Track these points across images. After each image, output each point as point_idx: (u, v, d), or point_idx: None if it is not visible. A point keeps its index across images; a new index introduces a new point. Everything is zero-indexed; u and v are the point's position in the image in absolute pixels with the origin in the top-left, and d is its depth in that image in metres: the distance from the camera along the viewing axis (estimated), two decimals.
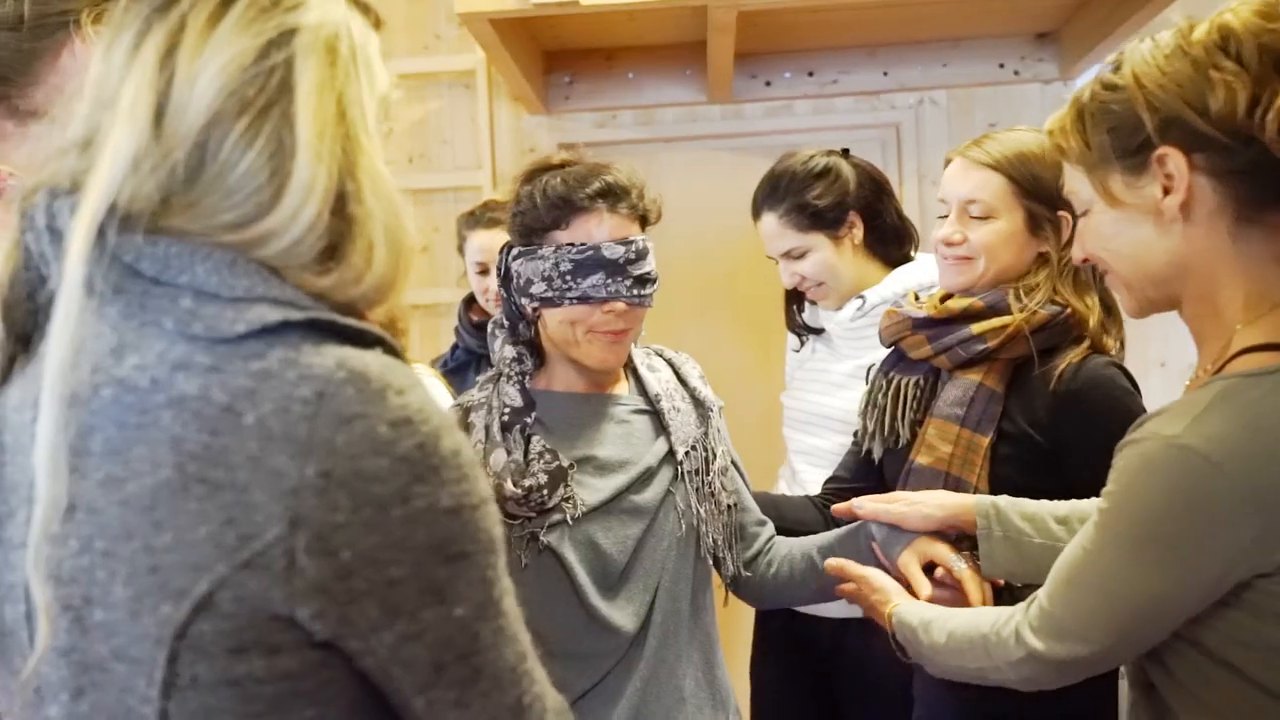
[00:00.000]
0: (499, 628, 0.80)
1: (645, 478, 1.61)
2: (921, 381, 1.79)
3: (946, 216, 1.79)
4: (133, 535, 0.73)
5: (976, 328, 1.69)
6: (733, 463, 1.77)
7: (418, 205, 3.86)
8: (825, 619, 2.16)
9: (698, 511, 1.63)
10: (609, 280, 1.54)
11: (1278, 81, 1.08)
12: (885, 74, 3.73)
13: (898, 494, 1.63)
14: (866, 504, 1.63)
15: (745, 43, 3.30)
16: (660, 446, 1.63)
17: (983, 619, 1.29)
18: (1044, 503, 1.53)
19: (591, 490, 1.57)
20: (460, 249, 2.86)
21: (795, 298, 2.36)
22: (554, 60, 3.72)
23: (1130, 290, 1.22)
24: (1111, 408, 1.61)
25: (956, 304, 1.73)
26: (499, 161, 3.78)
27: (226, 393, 0.74)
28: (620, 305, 1.57)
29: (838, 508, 1.69)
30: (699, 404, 1.71)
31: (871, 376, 1.90)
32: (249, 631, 0.73)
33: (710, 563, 1.68)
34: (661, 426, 1.65)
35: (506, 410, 1.59)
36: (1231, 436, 1.05)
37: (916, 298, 1.88)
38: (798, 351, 2.44)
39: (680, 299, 3.46)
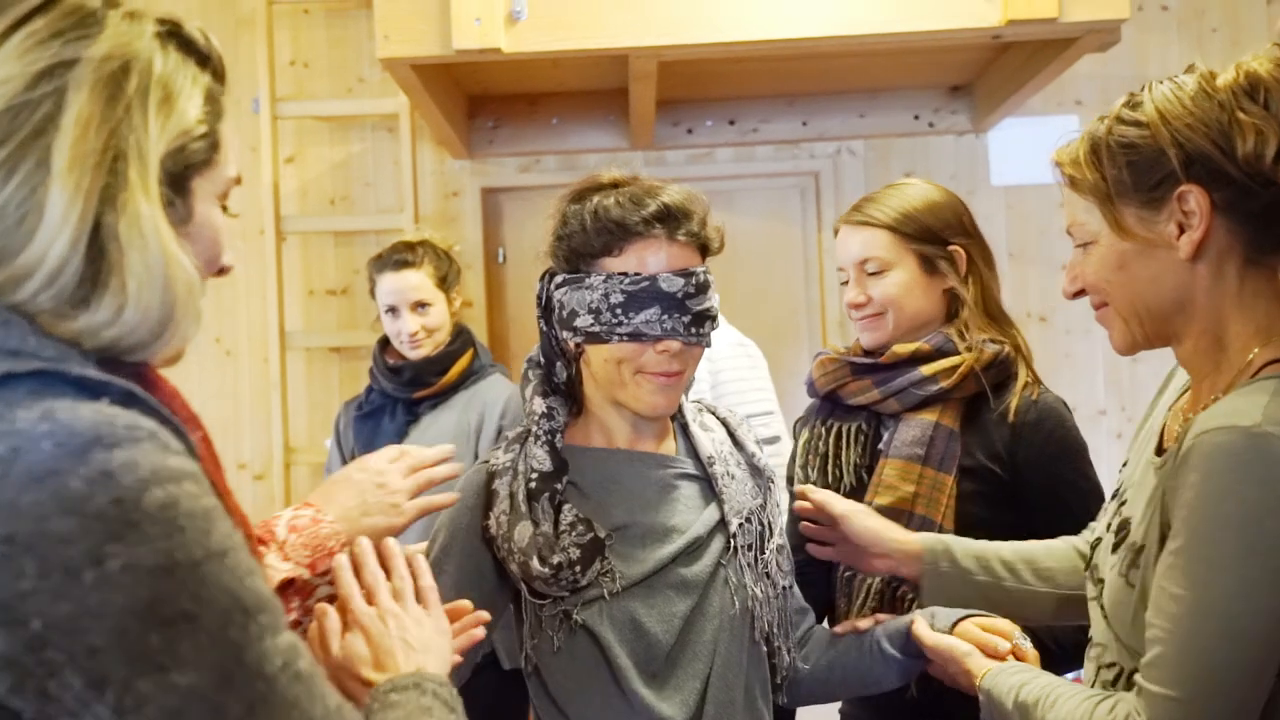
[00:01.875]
0: (259, 697, 0.72)
1: (694, 549, 1.41)
2: (864, 426, 1.79)
3: (847, 283, 1.84)
4: None
5: (927, 369, 1.72)
6: None
7: (338, 247, 3.84)
8: None
9: (752, 590, 1.44)
10: (664, 316, 1.36)
11: None
12: (804, 123, 3.80)
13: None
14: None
15: (667, 90, 3.35)
16: (711, 514, 1.44)
17: (1085, 715, 1.14)
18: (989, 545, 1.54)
19: (632, 561, 1.38)
20: (372, 292, 2.84)
21: None
22: (477, 105, 3.74)
23: (1127, 324, 1.21)
24: (1064, 437, 1.70)
25: (903, 349, 1.75)
26: (422, 205, 3.77)
27: None
28: (675, 345, 1.38)
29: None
30: (757, 472, 1.52)
31: (799, 429, 1.91)
32: None
33: (764, 649, 1.47)
34: (713, 493, 1.46)
35: (534, 476, 1.40)
36: None
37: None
38: None
39: None
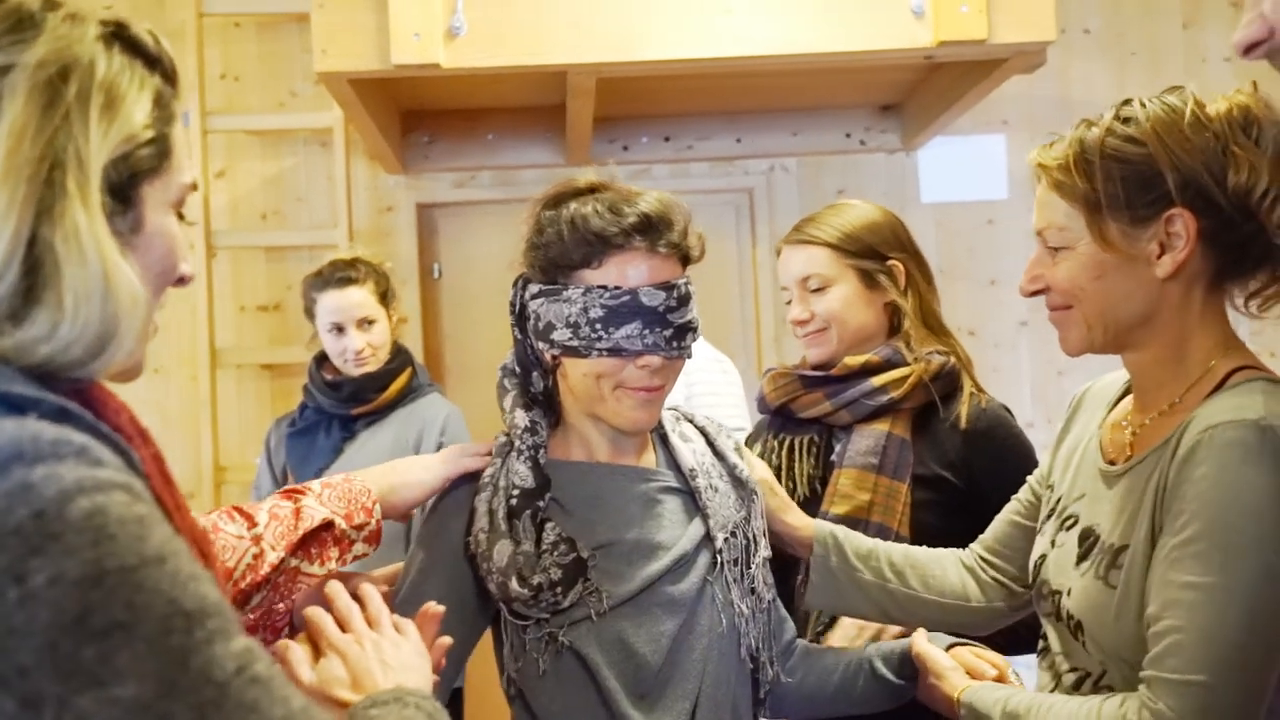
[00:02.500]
0: (209, 703, 0.69)
1: (680, 565, 1.36)
2: (816, 439, 1.81)
3: (791, 302, 1.88)
4: None
5: (878, 380, 1.76)
6: None
7: (270, 262, 3.79)
8: None
9: (739, 607, 1.39)
10: (645, 330, 1.31)
11: None
12: (739, 141, 3.85)
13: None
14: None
15: (604, 107, 3.36)
16: (696, 529, 1.39)
17: (1089, 713, 1.15)
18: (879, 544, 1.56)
19: (619, 580, 1.33)
20: (308, 311, 2.80)
21: None
22: (413, 120, 3.72)
23: (1090, 329, 1.23)
24: (1016, 445, 1.76)
25: (854, 360, 1.79)
26: (355, 220, 3.74)
27: None
28: (657, 360, 1.33)
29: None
30: (739, 484, 1.46)
31: (750, 444, 1.93)
32: None
33: (750, 666, 1.43)
34: (696, 507, 1.41)
35: (516, 492, 1.34)
36: None
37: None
38: None
39: None
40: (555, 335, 1.34)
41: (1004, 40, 2.81)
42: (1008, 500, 1.57)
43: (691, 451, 1.45)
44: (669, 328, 1.33)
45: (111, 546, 0.67)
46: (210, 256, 3.62)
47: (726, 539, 1.40)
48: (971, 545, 1.58)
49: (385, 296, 2.77)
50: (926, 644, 1.47)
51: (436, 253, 3.95)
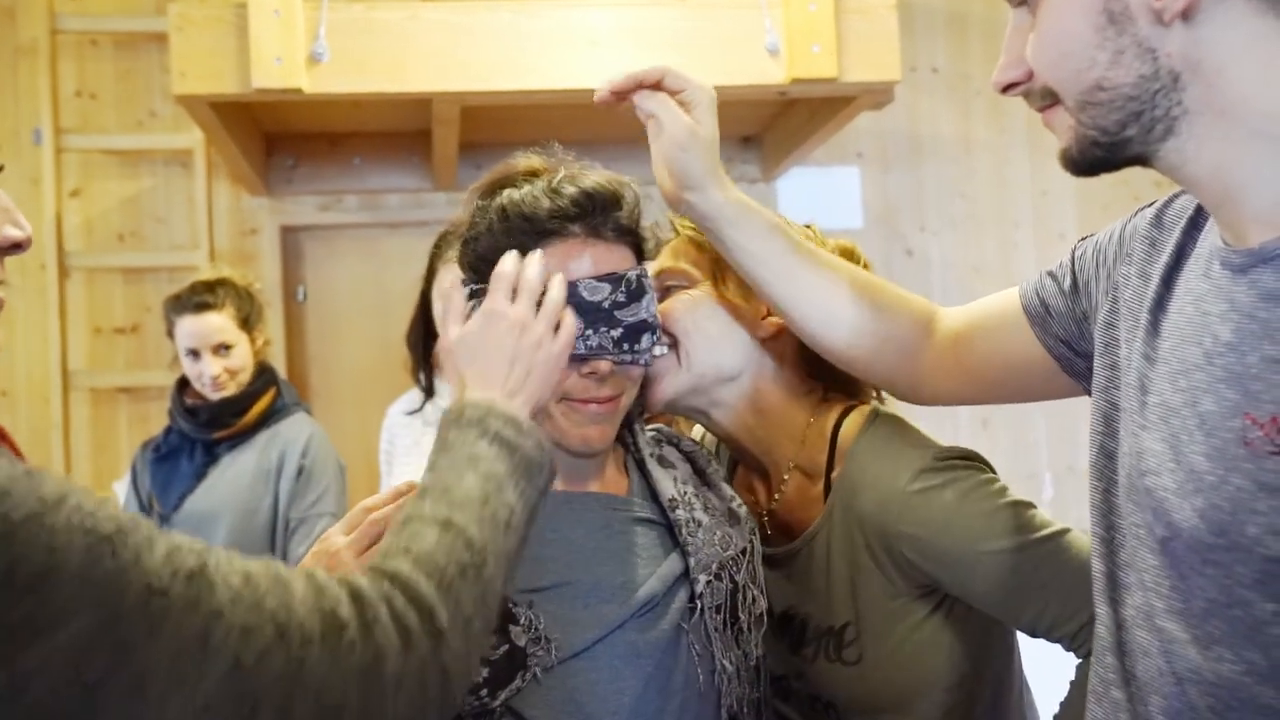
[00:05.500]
0: (158, 613, 0.69)
1: (649, 609, 1.13)
2: None
3: None
4: None
5: None
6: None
7: (128, 284, 3.72)
8: None
9: (721, 662, 1.15)
10: (589, 331, 1.10)
11: None
12: (608, 168, 3.91)
13: None
14: None
15: (470, 133, 3.40)
16: (671, 567, 1.15)
17: None
18: None
19: (571, 626, 1.09)
20: (169, 333, 2.76)
21: (429, 344, 2.27)
22: (276, 143, 3.70)
23: (690, 370, 1.27)
24: None
25: None
26: (217, 242, 3.70)
27: None
28: (604, 365, 1.12)
29: None
30: (734, 518, 1.23)
31: None
32: None
33: None
34: (674, 542, 1.17)
35: None
36: None
37: None
38: (411, 413, 2.49)
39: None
40: None
41: (853, 79, 2.94)
42: None
43: (673, 479, 1.23)
44: (618, 327, 1.12)
45: (10, 501, 0.65)
46: (63, 277, 3.53)
47: (709, 581, 1.16)
48: None
49: (247, 320, 2.74)
50: None
51: (301, 276, 3.92)
